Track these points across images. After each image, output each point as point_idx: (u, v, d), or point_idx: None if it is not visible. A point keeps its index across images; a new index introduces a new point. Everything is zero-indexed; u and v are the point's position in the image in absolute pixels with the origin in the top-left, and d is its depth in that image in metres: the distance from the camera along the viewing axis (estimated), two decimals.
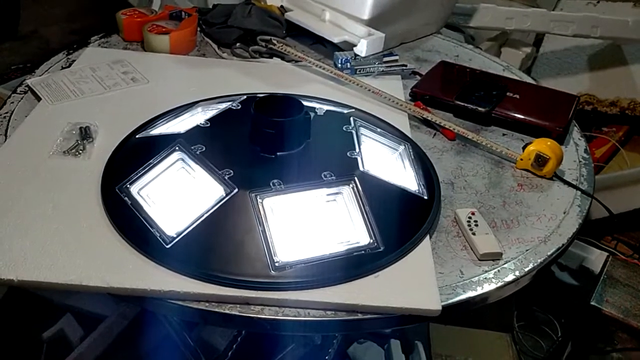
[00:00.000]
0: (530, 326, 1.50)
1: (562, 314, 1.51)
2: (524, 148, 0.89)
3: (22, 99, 0.94)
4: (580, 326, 1.16)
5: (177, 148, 0.78)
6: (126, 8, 1.20)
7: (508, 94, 1.04)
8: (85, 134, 0.85)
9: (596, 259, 1.41)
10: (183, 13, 1.18)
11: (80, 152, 0.82)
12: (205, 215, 0.69)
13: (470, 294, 0.67)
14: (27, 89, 0.96)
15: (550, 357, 1.38)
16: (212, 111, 0.89)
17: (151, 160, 0.77)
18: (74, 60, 1.06)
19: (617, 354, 1.37)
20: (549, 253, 0.74)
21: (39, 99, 0.93)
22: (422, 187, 0.80)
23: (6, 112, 0.91)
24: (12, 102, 0.93)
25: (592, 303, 1.05)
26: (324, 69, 1.08)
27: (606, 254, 1.31)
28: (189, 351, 1.08)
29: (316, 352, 1.10)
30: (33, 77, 0.99)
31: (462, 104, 1.01)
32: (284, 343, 1.07)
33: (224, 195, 0.71)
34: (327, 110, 0.92)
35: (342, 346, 1.26)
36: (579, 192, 0.86)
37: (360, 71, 1.10)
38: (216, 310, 0.62)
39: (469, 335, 1.37)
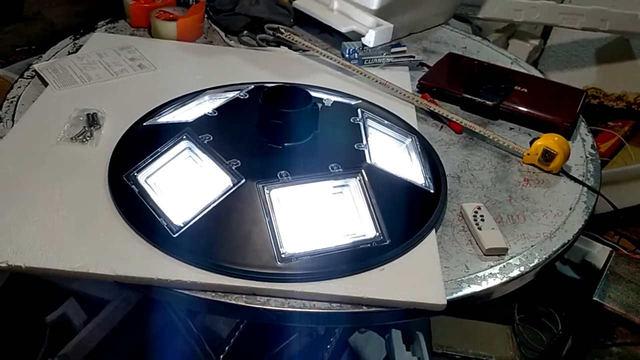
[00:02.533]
0: (530, 319, 1.51)
1: (563, 307, 1.51)
2: (531, 143, 0.88)
3: (29, 83, 0.94)
4: (582, 320, 1.16)
5: (184, 137, 0.78)
6: None
7: (516, 87, 1.04)
8: (93, 121, 0.85)
9: (598, 253, 1.42)
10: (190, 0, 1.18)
11: (88, 138, 0.82)
12: (213, 205, 0.69)
13: (475, 288, 0.67)
14: (34, 73, 0.96)
15: (550, 350, 1.39)
16: (219, 100, 0.89)
17: (158, 149, 0.77)
18: (80, 45, 1.06)
19: (617, 349, 1.38)
20: (554, 249, 0.74)
21: (46, 84, 0.93)
22: (429, 180, 0.80)
23: (13, 97, 0.90)
24: (19, 87, 0.93)
25: (595, 298, 1.06)
26: (331, 58, 1.07)
27: (609, 249, 1.32)
28: (192, 337, 1.09)
29: (318, 341, 1.11)
30: (40, 61, 0.99)
31: (470, 96, 1.00)
32: (287, 332, 1.07)
33: (231, 185, 0.71)
34: (334, 102, 0.92)
35: (344, 335, 1.27)
36: (585, 188, 0.86)
37: (367, 62, 1.10)
38: (222, 300, 0.62)
39: (470, 326, 1.38)
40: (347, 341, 1.30)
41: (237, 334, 1.13)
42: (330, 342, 1.14)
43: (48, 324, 1.25)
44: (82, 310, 1.29)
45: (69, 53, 1.04)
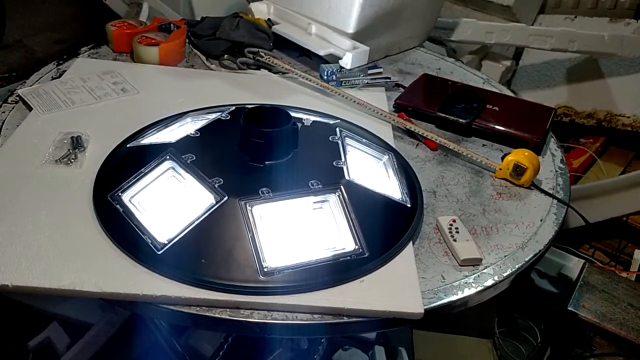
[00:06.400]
0: (510, 332, 1.53)
1: (541, 320, 1.54)
2: (502, 158, 0.92)
3: (13, 108, 0.96)
4: (559, 331, 1.19)
5: (167, 157, 0.80)
6: (110, 19, 1.22)
7: (488, 106, 1.08)
8: (77, 143, 0.86)
9: (574, 266, 1.44)
10: (172, 25, 1.20)
11: (72, 161, 0.83)
12: (196, 223, 0.71)
13: (452, 298, 0.70)
14: (18, 98, 0.98)
15: None
16: (201, 121, 0.92)
17: (142, 169, 0.79)
18: (64, 71, 1.08)
19: (595, 359, 1.40)
20: (526, 259, 0.77)
21: (30, 108, 0.94)
22: (406, 195, 0.83)
23: None
24: (4, 112, 0.94)
25: (569, 308, 1.08)
26: (310, 80, 1.11)
27: (584, 261, 1.35)
28: (177, 357, 1.10)
29: (302, 357, 1.12)
30: (24, 87, 1.01)
31: (444, 115, 1.04)
32: (271, 348, 1.08)
33: (214, 202, 0.73)
34: (313, 121, 0.95)
35: (327, 352, 1.28)
36: (555, 201, 0.89)
37: (345, 83, 1.14)
38: (207, 314, 0.64)
39: (451, 341, 1.39)
40: (331, 358, 1.31)
41: (221, 353, 1.13)
42: (315, 358, 1.15)
43: (31, 349, 1.24)
44: (66, 334, 1.28)
45: (53, 78, 1.06)
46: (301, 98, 1.09)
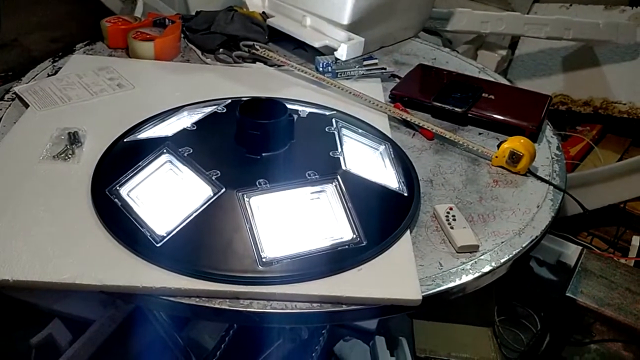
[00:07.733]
0: (510, 320, 1.54)
1: (541, 307, 1.55)
2: (498, 146, 0.92)
3: (9, 106, 0.96)
4: (558, 318, 1.20)
5: (164, 150, 0.80)
6: (106, 16, 1.22)
7: (483, 94, 1.08)
8: (74, 139, 0.87)
9: (572, 253, 1.45)
10: (167, 20, 1.20)
11: (70, 156, 0.84)
12: (194, 215, 0.71)
13: (449, 284, 0.70)
14: (14, 96, 0.98)
15: (529, 349, 1.43)
16: (197, 115, 0.92)
17: (140, 163, 0.79)
18: (59, 68, 1.08)
19: (595, 346, 1.41)
20: (523, 245, 0.78)
21: (26, 105, 0.95)
22: (402, 184, 0.83)
23: None
24: (0, 109, 0.94)
25: (568, 294, 1.09)
26: (306, 72, 1.11)
27: (581, 248, 1.35)
28: (179, 350, 1.10)
29: (303, 348, 1.13)
30: (20, 84, 1.01)
31: (440, 104, 1.04)
32: (272, 340, 1.09)
33: (212, 195, 0.73)
34: (309, 113, 0.95)
35: (328, 344, 1.29)
36: (551, 187, 0.90)
37: (341, 74, 1.14)
38: (206, 305, 0.64)
39: (452, 330, 1.40)
40: (332, 350, 1.31)
41: (222, 346, 1.14)
42: (316, 349, 1.16)
43: (33, 346, 1.25)
44: (68, 330, 1.29)
45: (49, 75, 1.06)
46: (297, 90, 1.09)
